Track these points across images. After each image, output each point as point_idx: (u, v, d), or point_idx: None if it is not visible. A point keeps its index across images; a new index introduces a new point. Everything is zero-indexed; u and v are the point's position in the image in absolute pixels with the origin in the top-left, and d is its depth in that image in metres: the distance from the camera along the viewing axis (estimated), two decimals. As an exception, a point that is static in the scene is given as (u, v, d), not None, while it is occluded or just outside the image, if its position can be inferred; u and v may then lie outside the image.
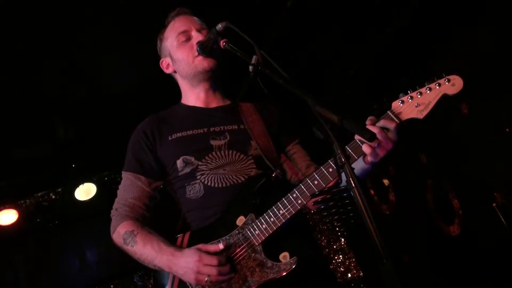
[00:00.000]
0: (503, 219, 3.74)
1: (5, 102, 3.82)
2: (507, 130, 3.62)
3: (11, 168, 4.70)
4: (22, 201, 5.17)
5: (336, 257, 6.22)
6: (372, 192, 5.75)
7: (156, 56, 2.28)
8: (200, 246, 1.79)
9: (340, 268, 6.17)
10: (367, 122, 1.66)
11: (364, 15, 4.03)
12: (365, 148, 1.63)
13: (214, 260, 1.72)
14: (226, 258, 1.76)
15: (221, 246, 1.76)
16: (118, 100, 4.25)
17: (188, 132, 2.04)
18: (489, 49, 3.70)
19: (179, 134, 2.04)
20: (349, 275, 6.12)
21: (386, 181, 5.48)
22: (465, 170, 4.22)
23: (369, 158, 1.66)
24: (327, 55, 4.62)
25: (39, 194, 5.25)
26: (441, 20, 3.93)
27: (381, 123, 1.64)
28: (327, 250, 6.25)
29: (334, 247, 6.29)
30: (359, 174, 1.73)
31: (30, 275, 5.40)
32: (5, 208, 5.00)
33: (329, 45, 4.42)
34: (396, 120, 1.66)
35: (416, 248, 5.09)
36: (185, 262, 1.75)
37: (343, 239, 6.29)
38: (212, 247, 1.77)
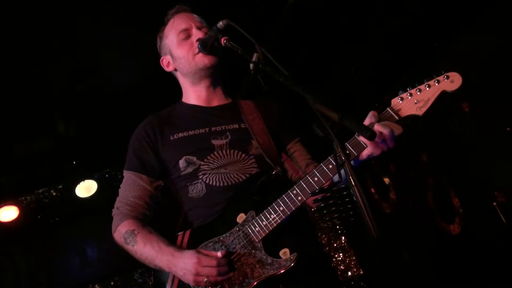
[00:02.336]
0: (503, 218, 3.75)
1: (6, 98, 3.81)
2: (508, 129, 3.62)
3: (11, 165, 4.70)
4: (22, 198, 5.16)
5: (336, 255, 6.22)
6: (372, 190, 5.75)
7: (158, 53, 2.27)
8: (201, 249, 1.80)
9: (340, 266, 6.17)
10: (372, 118, 1.65)
11: (365, 13, 4.03)
12: (370, 145, 1.62)
13: (213, 261, 1.73)
14: (226, 258, 1.77)
15: (219, 254, 1.76)
16: (119, 97, 4.23)
17: (190, 132, 2.05)
18: (490, 48, 3.70)
19: (181, 134, 2.05)
20: (349, 273, 6.12)
21: (386, 180, 5.49)
22: (465, 168, 4.22)
23: (369, 152, 1.65)
24: (328, 53, 4.62)
25: (40, 191, 5.24)
26: (442, 19, 3.93)
27: (393, 125, 1.62)
28: (327, 248, 6.25)
29: (335, 245, 6.29)
30: (354, 165, 1.73)
31: (31, 272, 5.39)
32: (5, 204, 4.99)
33: (330, 43, 4.42)
34: (396, 117, 1.66)
35: (416, 247, 5.09)
36: (183, 264, 1.76)
37: (343, 238, 6.29)
38: (212, 254, 1.77)
